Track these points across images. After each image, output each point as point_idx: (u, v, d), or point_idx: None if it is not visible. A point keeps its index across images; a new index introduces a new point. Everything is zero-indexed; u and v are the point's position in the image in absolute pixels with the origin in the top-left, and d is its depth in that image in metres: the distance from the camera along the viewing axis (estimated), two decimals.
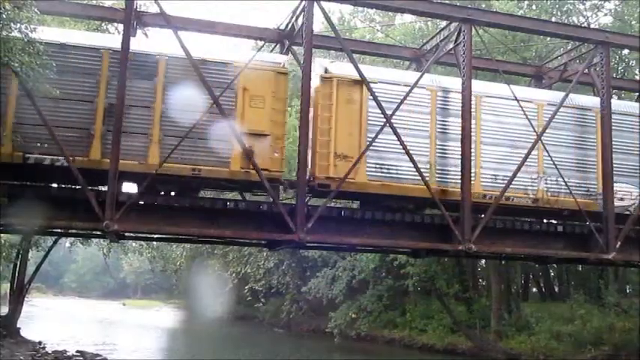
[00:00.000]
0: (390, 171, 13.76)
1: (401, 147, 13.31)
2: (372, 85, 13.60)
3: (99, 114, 12.48)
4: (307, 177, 13.47)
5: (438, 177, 14.18)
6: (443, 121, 14.40)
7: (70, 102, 12.38)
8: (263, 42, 17.20)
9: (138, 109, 12.67)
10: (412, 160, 13.27)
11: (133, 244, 32.28)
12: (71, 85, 12.48)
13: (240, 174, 13.00)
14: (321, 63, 14.46)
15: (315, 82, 13.73)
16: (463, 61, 14.26)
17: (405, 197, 13.98)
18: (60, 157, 12.00)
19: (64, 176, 12.50)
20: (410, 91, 13.65)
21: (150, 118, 12.73)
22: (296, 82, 13.76)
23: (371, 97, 13.57)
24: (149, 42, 14.19)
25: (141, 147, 12.60)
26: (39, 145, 12.16)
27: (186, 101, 12.82)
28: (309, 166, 13.67)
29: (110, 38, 13.23)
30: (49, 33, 12.73)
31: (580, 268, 35.33)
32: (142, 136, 12.62)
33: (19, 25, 11.06)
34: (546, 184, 14.86)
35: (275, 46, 16.73)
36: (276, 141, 13.23)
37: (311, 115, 13.53)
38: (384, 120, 13.26)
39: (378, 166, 13.76)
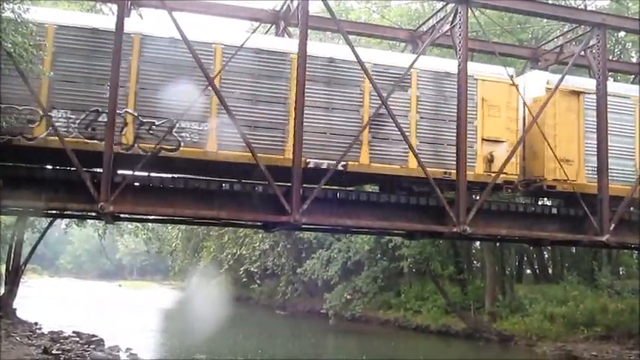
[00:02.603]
0: None
1: (612, 151, 14.86)
2: (587, 95, 15.37)
3: (365, 122, 13.54)
4: (534, 179, 15.08)
5: None
6: None
7: (341, 111, 13.58)
8: (258, 23, 17.08)
9: (398, 119, 13.57)
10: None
11: (129, 226, 32.30)
12: (341, 96, 13.72)
13: (483, 177, 14.35)
14: (544, 75, 15.84)
15: (538, 92, 15.27)
16: (459, 42, 14.24)
17: (617, 197, 14.90)
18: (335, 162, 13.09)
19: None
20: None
21: (407, 127, 13.91)
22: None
23: (587, 106, 15.26)
24: (402, 56, 15.29)
25: (402, 153, 13.79)
26: (318, 151, 13.31)
27: (435, 110, 14.23)
28: (530, 169, 15.14)
29: (373, 53, 14.39)
30: (319, 47, 14.18)
31: (574, 250, 35.53)
32: (402, 143, 13.63)
33: (11, 5, 10.97)
34: None
35: (270, 27, 16.62)
36: (511, 147, 14.39)
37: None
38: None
39: (594, 169, 14.98)
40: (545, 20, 20.72)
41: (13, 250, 28.52)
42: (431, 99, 14.29)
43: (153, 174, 13.41)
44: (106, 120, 12.04)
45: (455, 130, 13.85)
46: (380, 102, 13.24)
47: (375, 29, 19.68)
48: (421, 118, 14.19)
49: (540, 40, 24.70)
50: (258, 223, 15.96)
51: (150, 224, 31.14)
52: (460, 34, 14.23)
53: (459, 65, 14.04)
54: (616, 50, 32.76)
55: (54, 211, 15.94)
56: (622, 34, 29.84)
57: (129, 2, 14.30)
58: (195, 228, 44.75)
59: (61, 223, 35.70)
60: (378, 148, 13.75)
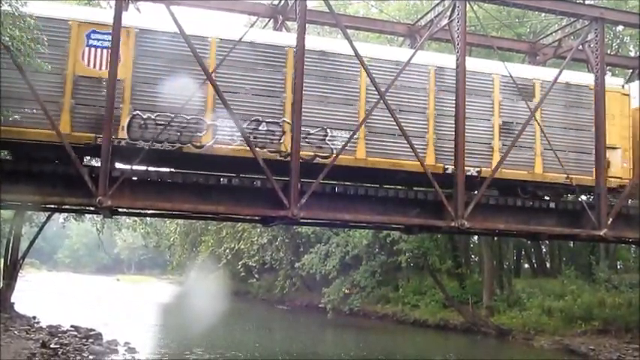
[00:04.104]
0: None
1: None
2: None
3: (495, 131, 14.61)
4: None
5: None
6: None
7: (474, 120, 14.44)
8: (256, 17, 17.05)
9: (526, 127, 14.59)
10: None
11: (127, 220, 32.24)
12: (473, 106, 14.45)
13: None
14: None
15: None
16: (457, 37, 14.22)
17: None
18: (472, 168, 14.24)
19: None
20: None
21: (534, 135, 14.92)
22: None
23: None
24: (527, 67, 16.17)
25: (528, 159, 14.88)
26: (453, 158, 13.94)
27: (558, 119, 15.13)
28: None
29: (498, 65, 14.86)
30: (447, 60, 14.73)
31: (571, 245, 35.57)
32: (529, 150, 14.89)
33: None
34: None
35: (268, 21, 16.60)
36: (624, 153, 15.51)
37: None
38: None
39: None
40: (543, 14, 20.66)
41: (11, 245, 28.49)
42: (554, 108, 15.10)
43: (151, 168, 13.44)
44: (267, 129, 13.05)
45: (581, 138, 14.99)
46: (509, 111, 14.65)
47: (373, 23, 19.68)
48: (545, 126, 14.83)
49: (538, 34, 24.68)
50: (257, 218, 15.97)
51: (148, 218, 31.12)
52: (458, 29, 14.22)
53: (457, 59, 14.05)
54: (614, 44, 32.74)
55: (52, 206, 15.97)
56: (620, 28, 29.82)
57: None
58: (193, 222, 44.73)
59: (59, 218, 35.68)
60: (509, 154, 14.23)
